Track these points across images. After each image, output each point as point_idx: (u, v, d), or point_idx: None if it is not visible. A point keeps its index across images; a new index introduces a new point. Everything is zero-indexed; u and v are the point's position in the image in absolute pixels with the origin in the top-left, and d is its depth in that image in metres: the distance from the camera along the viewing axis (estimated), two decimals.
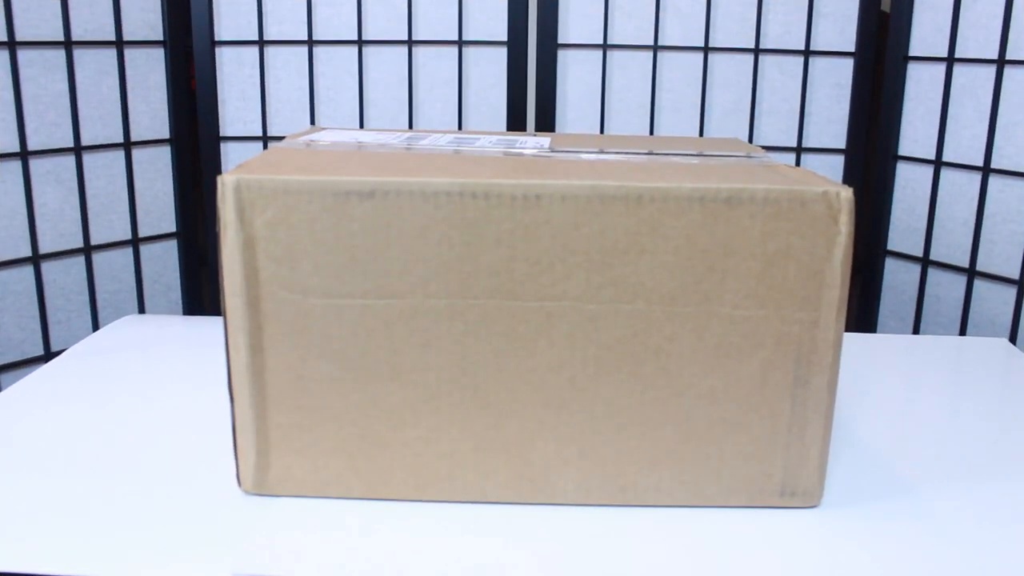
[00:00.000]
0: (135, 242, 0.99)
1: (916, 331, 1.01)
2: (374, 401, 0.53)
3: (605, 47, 1.01)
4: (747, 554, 0.50)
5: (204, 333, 0.85)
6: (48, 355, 0.93)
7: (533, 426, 0.53)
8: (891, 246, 1.03)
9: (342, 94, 1.02)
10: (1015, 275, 0.91)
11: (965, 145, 0.95)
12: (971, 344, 0.87)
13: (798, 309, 0.51)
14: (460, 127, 1.03)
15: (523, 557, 0.50)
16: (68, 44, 0.90)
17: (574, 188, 0.50)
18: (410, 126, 1.03)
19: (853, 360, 0.82)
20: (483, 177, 0.50)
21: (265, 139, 1.03)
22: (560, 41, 1.01)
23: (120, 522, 0.52)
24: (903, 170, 1.00)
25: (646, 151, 0.63)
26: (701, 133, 1.03)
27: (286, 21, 1.00)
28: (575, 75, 1.02)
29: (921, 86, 0.98)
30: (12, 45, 0.85)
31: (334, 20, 1.00)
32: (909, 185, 1.00)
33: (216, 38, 1.00)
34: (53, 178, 0.91)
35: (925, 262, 0.99)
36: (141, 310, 1.01)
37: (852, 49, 1.00)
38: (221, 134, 1.02)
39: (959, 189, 0.96)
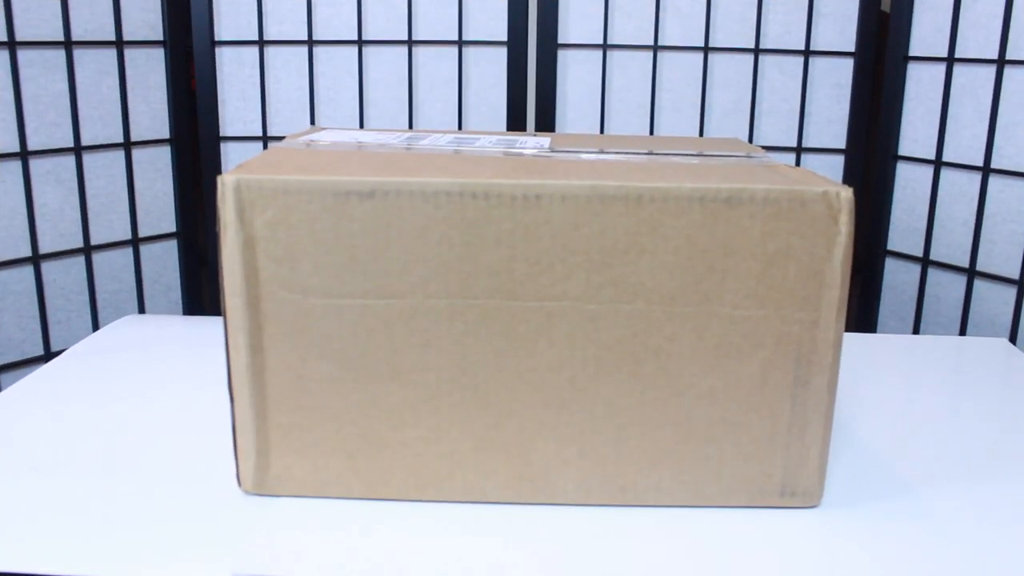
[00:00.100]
0: (135, 242, 0.99)
1: (916, 331, 1.01)
2: (374, 401, 0.53)
3: (605, 47, 1.01)
4: (747, 554, 0.50)
5: (204, 333, 0.85)
6: (48, 355, 0.93)
7: (533, 426, 0.53)
8: (891, 246, 1.03)
9: (342, 94, 1.02)
10: (1015, 275, 0.91)
11: (965, 145, 0.95)
12: (971, 344, 0.87)
13: (798, 309, 0.51)
14: (460, 127, 1.03)
15: (523, 557, 0.50)
16: (68, 44, 0.90)
17: (574, 188, 0.50)
18: (410, 126, 1.03)
19: (853, 360, 0.82)
20: (483, 177, 0.50)
21: (265, 139, 1.03)
22: (560, 41, 1.01)
23: (120, 522, 0.52)
24: (903, 170, 1.00)
25: (646, 151, 0.63)
26: (701, 133, 1.03)
27: (286, 21, 1.00)
28: (575, 75, 1.02)
29: (921, 86, 0.98)
30: (12, 45, 0.85)
31: (334, 20, 1.00)
32: (909, 185, 1.00)
33: (216, 38, 1.00)
34: (53, 178, 0.91)
35: (925, 262, 0.99)
36: (141, 310, 1.01)
37: (852, 49, 1.00)
38: (221, 134, 1.02)
39: (959, 189, 0.96)
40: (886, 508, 0.56)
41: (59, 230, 0.92)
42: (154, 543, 0.50)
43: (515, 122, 1.01)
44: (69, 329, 0.94)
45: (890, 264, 1.03)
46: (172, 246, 1.03)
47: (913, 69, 0.98)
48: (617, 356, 0.52)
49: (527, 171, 0.53)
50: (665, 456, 0.54)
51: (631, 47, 1.01)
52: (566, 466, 0.54)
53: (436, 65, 1.01)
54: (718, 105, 1.02)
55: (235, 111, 1.02)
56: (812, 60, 1.00)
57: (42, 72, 0.88)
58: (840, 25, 0.99)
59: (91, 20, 0.91)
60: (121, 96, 0.95)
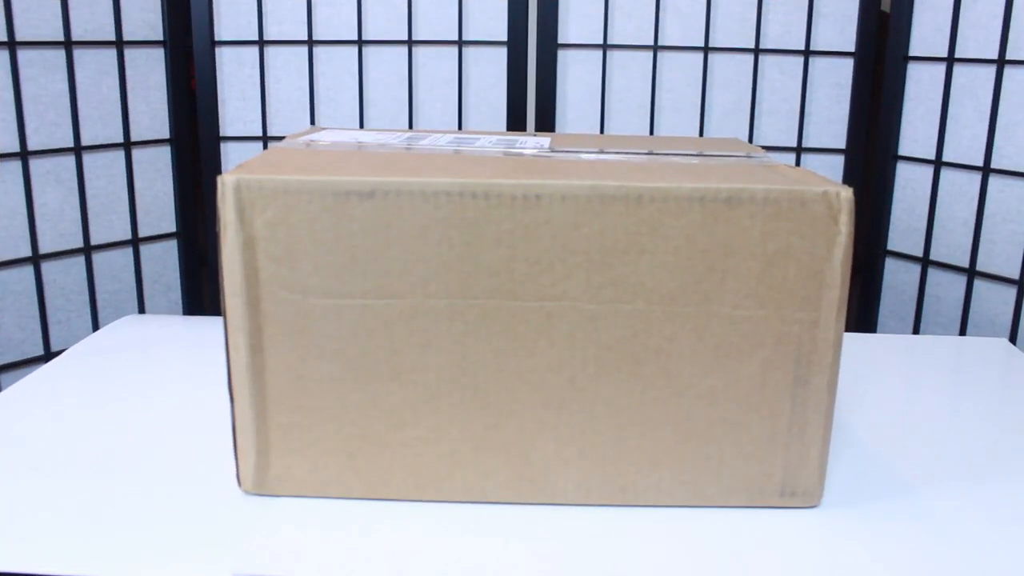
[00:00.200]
0: (135, 242, 0.99)
1: (916, 331, 1.01)
2: (374, 401, 0.53)
3: (605, 47, 1.01)
4: (747, 554, 0.50)
5: (204, 333, 0.85)
6: (48, 355, 0.93)
7: (533, 426, 0.53)
8: (891, 246, 1.03)
9: (342, 94, 1.02)
10: (1015, 275, 0.91)
11: (965, 145, 0.95)
12: (971, 344, 0.87)
13: (798, 309, 0.51)
14: (460, 127, 1.03)
15: (523, 557, 0.50)
16: (68, 44, 0.90)
17: (574, 188, 0.50)
18: (410, 126, 1.03)
19: (853, 360, 0.82)
20: (483, 177, 0.50)
21: (265, 139, 1.03)
22: (560, 41, 1.01)
23: (120, 522, 0.52)
24: (903, 170, 1.00)
25: (646, 151, 0.63)
26: (701, 133, 1.03)
27: (286, 21, 1.00)
28: (575, 75, 1.02)
29: (921, 86, 0.98)
30: (12, 45, 0.85)
31: (334, 20, 1.00)
32: (909, 185, 1.00)
33: (216, 38, 1.00)
34: (53, 178, 0.91)
35: (925, 262, 0.99)
36: (141, 310, 1.01)
37: (852, 49, 1.00)
38: (221, 134, 1.02)
39: (959, 189, 0.96)
40: (886, 508, 0.56)
41: (59, 230, 0.92)
42: (154, 543, 0.50)
43: (515, 122, 1.01)
44: (69, 329, 0.94)
45: (890, 264, 1.03)
46: (172, 246, 1.03)
47: (913, 69, 0.98)
48: (617, 356, 0.52)
49: (527, 171, 0.53)
50: (665, 456, 0.54)
51: (631, 47, 1.01)
52: (566, 466, 0.54)
53: (436, 65, 1.01)
54: (718, 105, 1.02)
55: (235, 111, 1.02)
56: (812, 60, 1.00)
57: (42, 72, 0.88)
58: (840, 25, 0.99)
59: (91, 20, 0.91)
60: (121, 96, 0.95)
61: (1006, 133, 0.91)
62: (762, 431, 0.54)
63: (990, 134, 0.92)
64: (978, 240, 0.94)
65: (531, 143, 0.65)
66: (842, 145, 1.02)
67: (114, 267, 0.98)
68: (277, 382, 0.53)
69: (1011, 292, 0.92)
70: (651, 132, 1.03)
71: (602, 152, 0.62)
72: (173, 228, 1.03)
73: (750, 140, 1.03)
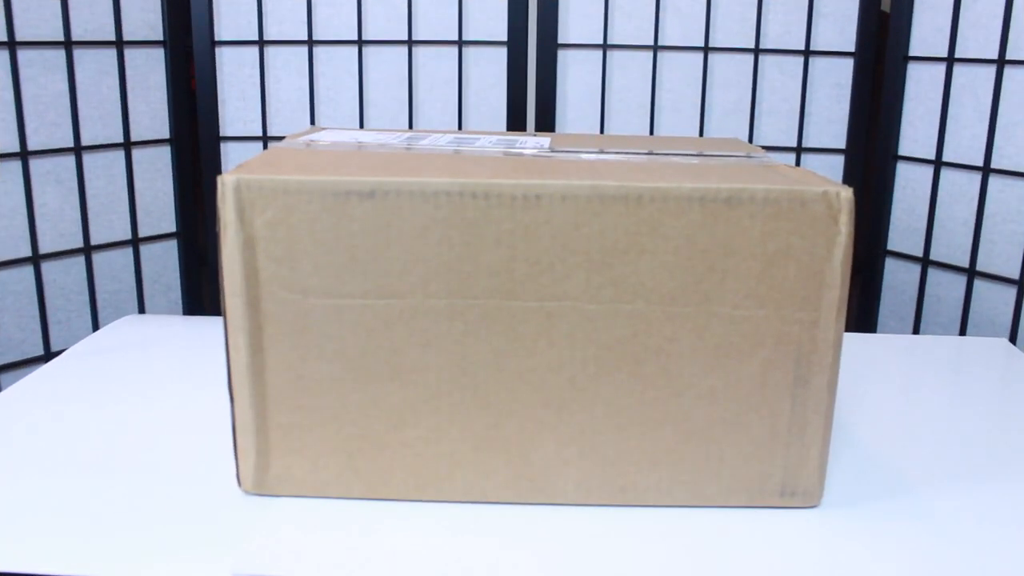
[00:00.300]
0: (135, 242, 0.99)
1: (916, 331, 1.01)
2: (374, 401, 0.53)
3: (605, 47, 1.01)
4: (747, 554, 0.50)
5: (204, 333, 0.85)
6: (48, 355, 0.93)
7: (533, 426, 0.53)
8: (891, 246, 1.03)
9: (342, 94, 1.02)
10: (1015, 275, 0.91)
11: (965, 145, 0.95)
12: (971, 344, 0.87)
13: (798, 309, 0.51)
14: (460, 127, 1.03)
15: (523, 557, 0.50)
16: (68, 44, 0.90)
17: (574, 188, 0.50)
18: (410, 126, 1.03)
19: (853, 360, 0.82)
20: (483, 177, 0.50)
21: (265, 139, 1.03)
22: (560, 41, 1.01)
23: (120, 522, 0.52)
24: (903, 170, 1.00)
25: (646, 151, 0.63)
26: (701, 133, 1.03)
27: (286, 21, 1.00)
28: (575, 75, 1.02)
29: (921, 86, 0.98)
30: (12, 45, 0.85)
31: (334, 20, 1.00)
32: (909, 185, 1.00)
33: (216, 38, 1.00)
34: (53, 178, 0.91)
35: (925, 262, 0.99)
36: (141, 310, 1.01)
37: (852, 49, 1.00)
38: (221, 134, 1.02)
39: (959, 189, 0.96)
40: (886, 508, 0.56)
41: (59, 230, 0.92)
42: (154, 543, 0.50)
43: (515, 122, 1.01)
44: (69, 329, 0.94)
45: (890, 264, 1.03)
46: (172, 246, 1.03)
47: (913, 69, 0.98)
48: (617, 356, 0.52)
49: (527, 171, 0.53)
50: (665, 456, 0.54)
51: (631, 47, 1.01)
52: (566, 466, 0.54)
53: (436, 65, 1.01)
54: (718, 105, 1.02)
55: (235, 111, 1.02)
56: (812, 60, 1.00)
57: (42, 72, 0.88)
58: (840, 25, 0.99)
59: (91, 20, 0.91)
60: (121, 96, 0.95)
61: (1006, 133, 0.91)
62: (762, 431, 0.54)
63: (990, 134, 0.92)
64: (978, 240, 0.94)
65: (531, 143, 0.65)
66: (842, 145, 1.02)
67: (114, 267, 0.98)
68: (277, 382, 0.53)
69: (1011, 292, 0.92)
70: (651, 132, 1.03)
71: (602, 152, 0.62)
72: (173, 228, 1.03)
73: (750, 140, 1.03)
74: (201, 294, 1.06)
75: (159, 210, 1.01)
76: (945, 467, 0.62)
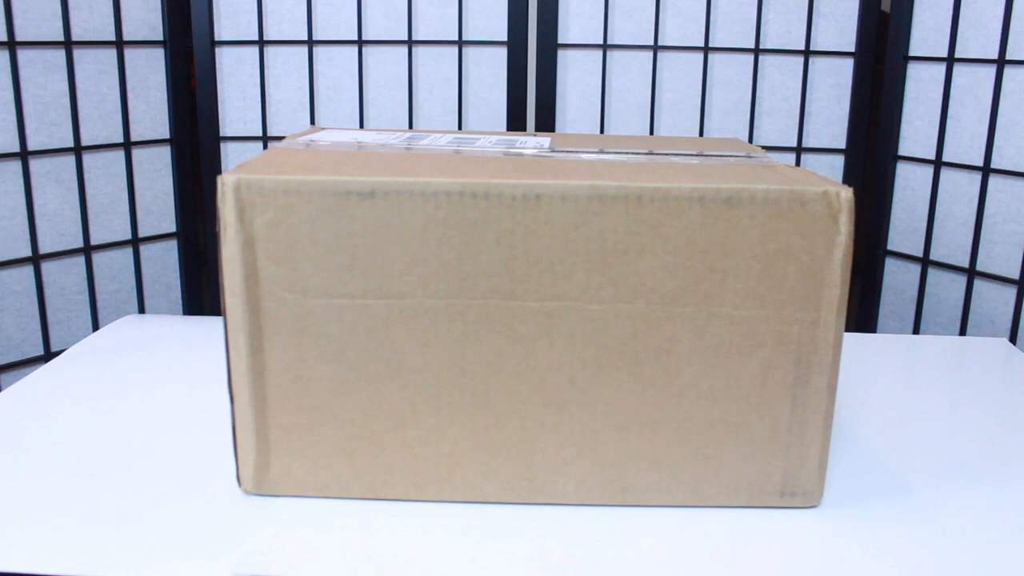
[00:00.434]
0: (135, 242, 0.99)
1: (916, 331, 1.01)
2: (374, 401, 0.53)
3: (605, 47, 1.01)
4: (747, 554, 0.50)
5: (204, 333, 0.85)
6: (48, 355, 0.93)
7: (533, 426, 0.53)
8: (891, 246, 1.03)
9: (342, 94, 1.02)
10: (1015, 275, 0.91)
11: (965, 145, 0.95)
12: (971, 344, 0.87)
13: (798, 309, 0.51)
14: (460, 127, 1.03)
15: (523, 557, 0.50)
16: (68, 44, 0.90)
17: (574, 188, 0.50)
18: (410, 126, 1.03)
19: (853, 360, 0.82)
20: (483, 177, 0.50)
21: (265, 139, 1.03)
22: (560, 41, 1.01)
23: (120, 522, 0.52)
24: (903, 170, 1.00)
25: (646, 151, 0.63)
26: (701, 133, 1.03)
27: (286, 21, 1.00)
28: (575, 75, 1.02)
29: (921, 86, 0.98)
30: (12, 45, 0.85)
31: (334, 20, 1.00)
32: (909, 185, 1.00)
33: (216, 38, 1.00)
34: (53, 178, 0.91)
35: (925, 262, 0.99)
36: (141, 310, 1.01)
37: (852, 49, 1.00)
38: (221, 134, 1.02)
39: (959, 189, 0.96)
40: (886, 508, 0.56)
41: (59, 230, 0.92)
42: (154, 543, 0.50)
43: (515, 122, 1.01)
44: (69, 329, 0.95)
45: (890, 264, 1.03)
46: (172, 246, 1.03)
47: (913, 69, 0.98)
48: (617, 356, 0.52)
49: (527, 171, 0.53)
50: (665, 456, 0.54)
51: (631, 47, 1.01)
52: (566, 466, 0.54)
53: (436, 65, 1.01)
54: (718, 105, 1.02)
55: (235, 111, 1.02)
56: (812, 60, 1.00)
57: (42, 72, 0.88)
58: (840, 25, 0.99)
59: (91, 20, 0.91)
60: (121, 96, 0.95)
61: (1006, 133, 0.91)
62: (762, 431, 0.54)
63: (990, 134, 0.92)
64: (978, 240, 0.94)
65: (531, 143, 0.65)
66: (842, 145, 1.02)
67: (114, 267, 0.98)
68: (277, 382, 0.53)
69: (1011, 292, 0.92)
70: (651, 132, 1.03)
71: (602, 152, 0.62)
72: (173, 228, 1.03)
73: (750, 140, 1.03)
74: (201, 294, 1.06)
75: (159, 210, 1.01)
76: (945, 467, 0.62)
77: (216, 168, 1.02)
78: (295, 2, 1.00)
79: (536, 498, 0.55)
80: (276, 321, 0.52)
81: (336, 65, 1.01)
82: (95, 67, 0.93)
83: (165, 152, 1.01)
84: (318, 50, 1.01)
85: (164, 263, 1.02)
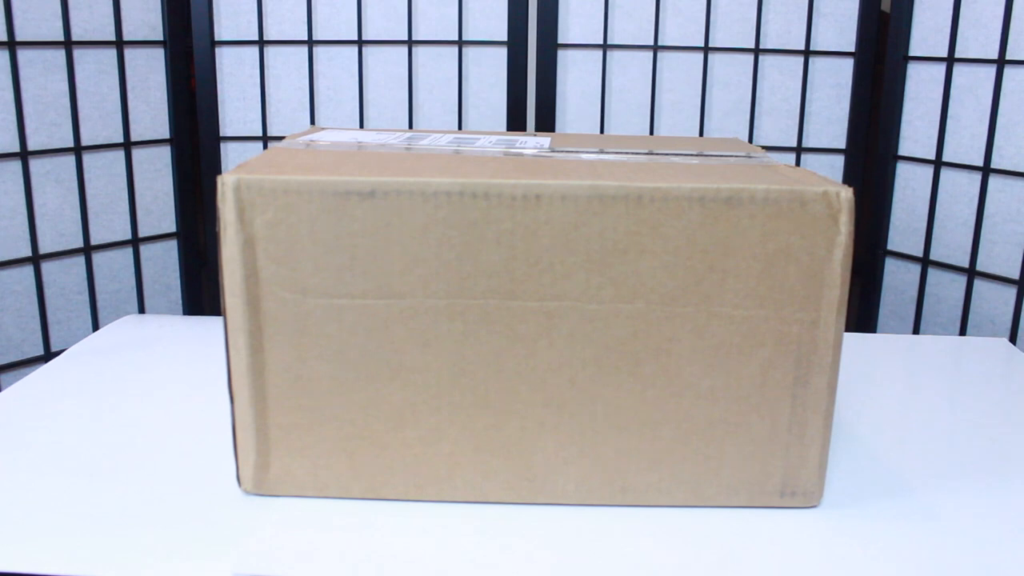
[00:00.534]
0: (135, 242, 0.99)
1: (916, 331, 1.01)
2: (374, 401, 0.53)
3: (605, 47, 1.01)
4: (747, 554, 0.50)
5: (204, 333, 0.85)
6: (48, 355, 0.93)
7: (533, 426, 0.53)
8: (891, 246, 1.03)
9: (342, 94, 1.02)
10: (1015, 275, 0.91)
11: (965, 145, 0.95)
12: (971, 344, 0.87)
13: (798, 309, 0.51)
14: (460, 127, 1.03)
15: (523, 557, 0.50)
16: (68, 44, 0.90)
17: (574, 188, 0.50)
18: (410, 126, 1.03)
19: (853, 360, 0.82)
20: (483, 177, 0.50)
21: (265, 139, 1.03)
22: (560, 41, 1.01)
23: (120, 522, 0.52)
24: (903, 170, 1.00)
25: (646, 151, 0.63)
26: (701, 133, 1.03)
27: (286, 21, 1.00)
28: (575, 75, 1.02)
29: (921, 86, 0.98)
30: (12, 45, 0.85)
31: (334, 20, 1.00)
32: (909, 185, 1.00)
33: (216, 38, 1.00)
34: (53, 178, 0.91)
35: (925, 262, 0.99)
36: (141, 310, 1.01)
37: (852, 49, 1.00)
38: (221, 134, 1.02)
39: (959, 189, 0.96)
40: (886, 508, 0.56)
41: (59, 230, 0.92)
42: (154, 543, 0.50)
43: (515, 122, 1.01)
44: (69, 329, 0.94)
45: (890, 264, 1.03)
46: (172, 246, 1.03)
47: (913, 69, 0.98)
48: (617, 356, 0.52)
49: (527, 171, 0.53)
50: (665, 456, 0.54)
51: (631, 47, 1.01)
52: (566, 466, 0.54)
53: (436, 65, 1.01)
54: (718, 105, 1.02)
55: (235, 111, 1.02)
56: (812, 60, 1.00)
57: (42, 72, 0.88)
58: (840, 25, 0.99)
59: (91, 20, 0.91)
60: (121, 96, 0.95)
61: (1006, 133, 0.91)
62: (762, 431, 0.54)
63: (990, 134, 0.92)
64: (978, 240, 0.94)
65: (531, 143, 0.65)
66: (842, 145, 1.02)
67: (114, 267, 0.98)
68: (277, 382, 0.53)
69: (1011, 292, 0.92)
70: (651, 132, 1.03)
71: (602, 152, 0.62)
72: (173, 228, 1.03)
73: (750, 140, 1.03)
74: (201, 294, 1.06)
75: (159, 210, 1.01)
76: (945, 467, 0.62)
77: (216, 168, 1.02)
78: (295, 2, 1.00)
79: (536, 498, 0.55)
80: (276, 321, 0.52)
81: (336, 65, 1.01)
82: (95, 67, 0.93)
83: (165, 152, 1.01)
84: (318, 50, 1.01)
85: (164, 263, 1.02)
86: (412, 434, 0.54)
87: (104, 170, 0.95)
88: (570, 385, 0.53)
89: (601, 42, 1.01)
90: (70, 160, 0.92)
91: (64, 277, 0.93)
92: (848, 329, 1.07)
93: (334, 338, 0.52)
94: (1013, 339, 0.92)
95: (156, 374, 0.75)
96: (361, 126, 1.03)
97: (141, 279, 1.00)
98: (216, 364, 0.77)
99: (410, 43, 1.00)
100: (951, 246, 0.97)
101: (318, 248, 0.51)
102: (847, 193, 0.50)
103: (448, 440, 0.54)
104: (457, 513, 0.54)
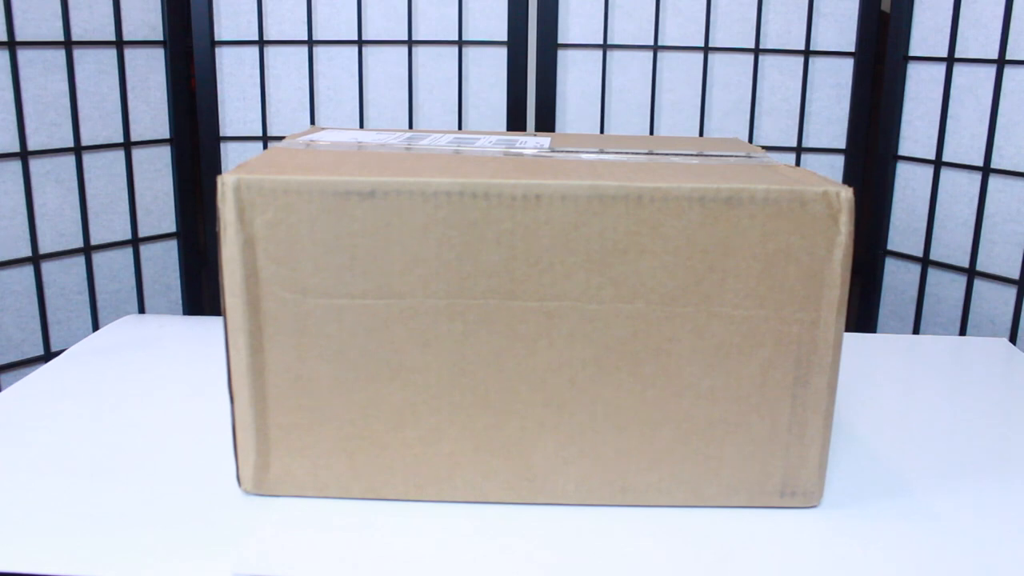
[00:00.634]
0: (135, 242, 0.99)
1: (916, 331, 1.01)
2: (374, 401, 0.53)
3: (605, 47, 1.01)
4: (747, 554, 0.50)
5: (204, 333, 0.85)
6: (48, 355, 0.93)
7: (533, 426, 0.53)
8: (891, 246, 1.03)
9: (342, 94, 1.02)
10: (1015, 275, 0.91)
11: (965, 145, 0.95)
12: (971, 344, 0.87)
13: (798, 309, 0.51)
14: (460, 127, 1.03)
15: (523, 557, 0.50)
16: (68, 44, 0.90)
17: (574, 188, 0.50)
18: (410, 126, 1.03)
19: (853, 360, 0.82)
20: (483, 177, 0.50)
21: (265, 139, 1.03)
22: (560, 41, 1.01)
23: (120, 522, 0.52)
24: (903, 170, 1.00)
25: (646, 151, 0.63)
26: (701, 133, 1.03)
27: (286, 21, 1.00)
28: (575, 75, 1.02)
29: (921, 86, 0.98)
30: (12, 45, 0.85)
31: (334, 20, 1.00)
32: (909, 185, 1.00)
33: (216, 38, 1.00)
34: (53, 178, 0.91)
35: (925, 262, 0.99)
36: (141, 310, 1.01)
37: (852, 49, 1.00)
38: (221, 134, 1.02)
39: (959, 189, 0.96)
40: (886, 508, 0.56)
41: (59, 230, 0.92)
42: (154, 543, 0.50)
43: (515, 122, 1.01)
44: (69, 329, 0.94)
45: (890, 264, 1.03)
46: (172, 246, 1.03)
47: (913, 69, 0.98)
48: (617, 356, 0.52)
49: (527, 171, 0.53)
50: (665, 456, 0.54)
51: (631, 47, 1.01)
52: (566, 466, 0.54)
53: (436, 65, 1.01)
54: (718, 105, 1.02)
55: (235, 111, 1.02)
56: (812, 60, 1.00)
57: (42, 72, 0.88)
58: (840, 25, 0.99)
59: (91, 20, 0.91)
60: (121, 96, 0.95)
61: (1006, 133, 0.91)
62: (762, 431, 0.54)
63: (990, 134, 0.92)
64: (978, 240, 0.94)
65: (531, 143, 0.65)
66: (842, 145, 1.02)
67: (114, 267, 0.98)
68: (277, 382, 0.53)
69: (1011, 292, 0.92)
70: (651, 132, 1.03)
71: (602, 152, 0.62)
72: (173, 228, 1.03)
73: (750, 140, 1.03)
74: (201, 294, 1.06)
75: (159, 210, 1.01)
76: (945, 467, 0.62)
77: (216, 168, 1.02)
78: (295, 2, 1.00)
79: (536, 498, 0.55)
80: (276, 321, 0.52)
81: (336, 65, 1.01)
82: (95, 67, 0.93)
83: (165, 152, 1.01)
84: (318, 50, 1.01)
85: (164, 263, 1.02)
86: (412, 434, 0.54)
87: (104, 170, 0.95)
88: (570, 385, 0.53)
89: (601, 42, 1.01)
90: (70, 160, 0.92)
91: (64, 277, 0.93)
92: (848, 329, 1.07)
93: (334, 338, 0.52)
94: (1013, 339, 0.92)
95: (156, 374, 0.75)
96: (361, 126, 1.03)
97: (141, 279, 1.00)
98: (216, 364, 0.77)
99: (410, 43, 1.00)
100: (951, 246, 0.97)
101: (318, 248, 0.51)
102: (847, 193, 0.50)
103: (448, 440, 0.54)
104: (457, 513, 0.54)
